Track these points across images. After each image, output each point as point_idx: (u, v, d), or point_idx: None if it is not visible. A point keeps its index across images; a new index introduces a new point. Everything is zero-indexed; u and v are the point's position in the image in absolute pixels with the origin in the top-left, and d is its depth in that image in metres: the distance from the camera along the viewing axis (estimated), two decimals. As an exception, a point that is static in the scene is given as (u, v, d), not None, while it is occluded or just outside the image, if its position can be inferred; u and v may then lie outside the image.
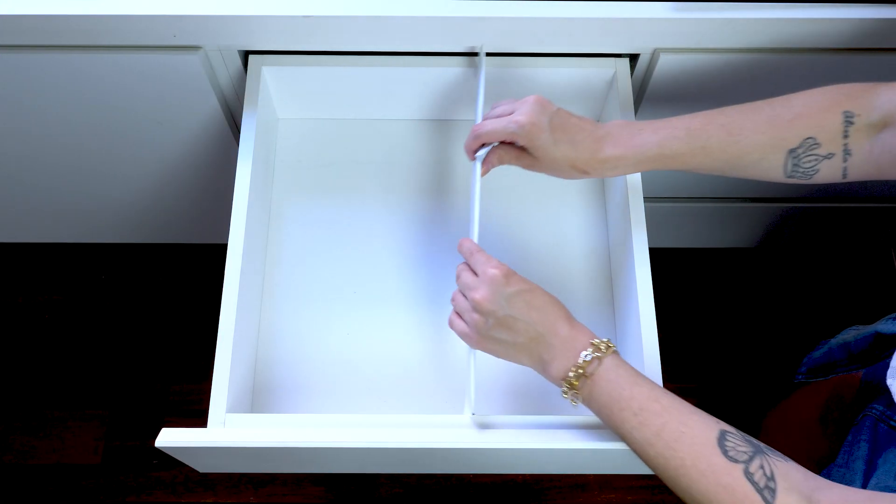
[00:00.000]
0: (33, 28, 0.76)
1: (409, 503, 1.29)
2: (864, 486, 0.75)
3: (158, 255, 1.45)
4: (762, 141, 0.66)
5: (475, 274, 0.66)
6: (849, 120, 0.65)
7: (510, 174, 0.90)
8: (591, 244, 0.86)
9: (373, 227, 0.87)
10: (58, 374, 1.37)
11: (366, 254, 0.85)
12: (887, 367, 0.66)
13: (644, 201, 0.78)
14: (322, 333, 0.81)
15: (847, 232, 1.26)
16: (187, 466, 0.75)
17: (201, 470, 0.79)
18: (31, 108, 0.90)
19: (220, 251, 0.77)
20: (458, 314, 0.67)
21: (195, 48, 0.81)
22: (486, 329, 0.64)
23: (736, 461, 0.54)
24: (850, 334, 0.91)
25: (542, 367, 0.64)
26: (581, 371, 0.62)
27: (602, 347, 0.62)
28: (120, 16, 0.75)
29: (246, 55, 0.85)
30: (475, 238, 0.71)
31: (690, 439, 0.56)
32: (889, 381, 0.64)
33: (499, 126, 0.70)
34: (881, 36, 0.79)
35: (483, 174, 0.73)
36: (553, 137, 0.69)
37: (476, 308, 0.64)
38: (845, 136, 0.65)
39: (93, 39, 0.78)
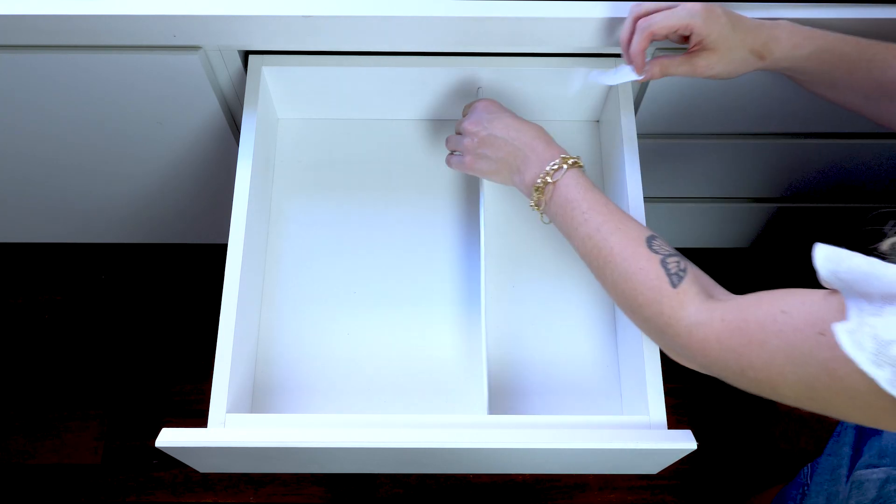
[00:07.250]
0: (34, 28, 0.76)
1: (409, 503, 1.29)
2: (849, 472, 0.76)
3: (158, 255, 1.45)
4: None
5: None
6: None
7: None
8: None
9: (373, 227, 0.87)
10: (58, 374, 1.37)
11: (366, 254, 0.85)
12: None
13: (643, 201, 0.78)
14: (322, 333, 0.81)
15: (846, 232, 1.26)
16: (187, 466, 0.76)
17: (201, 470, 0.79)
18: (31, 108, 0.91)
19: (220, 251, 0.77)
20: (451, 151, 0.80)
21: (195, 48, 0.81)
22: (473, 148, 0.75)
23: (657, 253, 0.64)
24: None
25: (519, 178, 0.73)
26: (548, 179, 0.70)
27: (569, 161, 0.70)
28: (120, 16, 0.75)
29: (246, 55, 0.85)
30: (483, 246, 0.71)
31: (623, 234, 0.66)
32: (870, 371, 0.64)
33: (672, 17, 0.67)
34: (882, 36, 0.79)
35: (644, 80, 0.73)
36: (730, 21, 0.68)
37: (463, 132, 0.77)
38: None
39: (93, 39, 0.78)
